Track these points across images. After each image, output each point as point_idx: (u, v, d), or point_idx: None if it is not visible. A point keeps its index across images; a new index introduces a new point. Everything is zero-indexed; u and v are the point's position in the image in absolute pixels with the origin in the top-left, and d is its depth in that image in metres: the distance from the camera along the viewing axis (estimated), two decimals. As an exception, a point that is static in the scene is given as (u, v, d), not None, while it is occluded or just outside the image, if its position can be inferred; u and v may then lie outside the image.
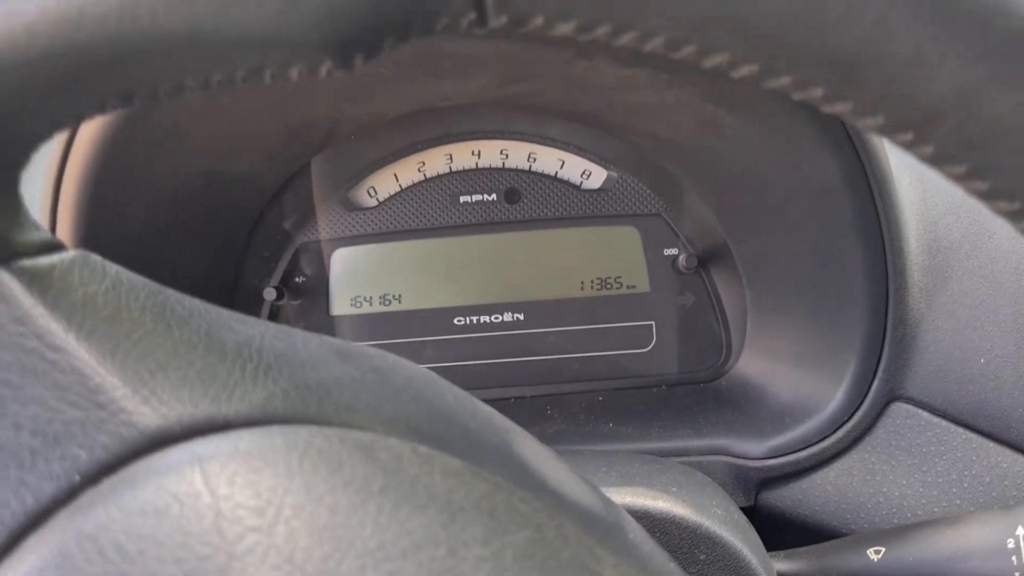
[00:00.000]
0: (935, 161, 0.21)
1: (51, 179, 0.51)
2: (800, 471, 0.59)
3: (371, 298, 0.71)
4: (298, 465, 0.22)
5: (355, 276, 0.72)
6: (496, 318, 0.72)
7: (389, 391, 0.26)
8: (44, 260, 0.24)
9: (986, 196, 0.21)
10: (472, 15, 0.20)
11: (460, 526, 0.22)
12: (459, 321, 0.72)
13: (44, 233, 0.25)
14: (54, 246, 0.25)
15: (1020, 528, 0.43)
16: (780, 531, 0.58)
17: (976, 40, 0.19)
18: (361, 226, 0.71)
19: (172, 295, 0.25)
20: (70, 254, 0.25)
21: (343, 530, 0.21)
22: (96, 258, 0.25)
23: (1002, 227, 0.58)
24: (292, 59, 0.21)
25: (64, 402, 0.22)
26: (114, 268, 0.25)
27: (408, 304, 0.72)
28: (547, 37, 0.21)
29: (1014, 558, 0.42)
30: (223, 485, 0.21)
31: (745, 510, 0.56)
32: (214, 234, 0.64)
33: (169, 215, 0.58)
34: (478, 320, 0.72)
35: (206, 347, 0.24)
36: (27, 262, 0.24)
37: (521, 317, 0.71)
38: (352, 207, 0.71)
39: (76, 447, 0.22)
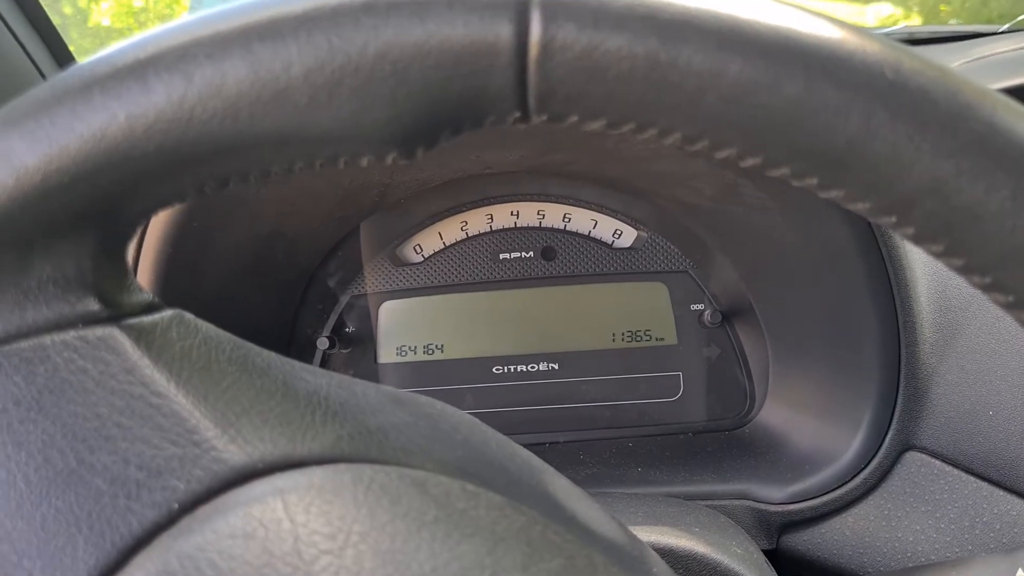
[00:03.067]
0: (916, 240, 0.23)
1: (134, 241, 0.57)
2: (820, 516, 0.61)
3: (415, 347, 0.76)
4: (363, 498, 0.24)
5: (401, 327, 0.76)
6: (532, 367, 0.75)
7: (439, 435, 0.28)
8: (147, 319, 0.27)
9: (962, 271, 0.23)
10: (516, 114, 0.23)
11: (501, 553, 0.24)
12: (498, 370, 0.76)
13: (147, 295, 0.28)
14: (155, 306, 0.27)
15: (1020, 571, 0.46)
16: (800, 574, 0.61)
17: (945, 141, 0.21)
18: (407, 280, 0.76)
19: (252, 348, 0.28)
20: (169, 313, 0.27)
21: (401, 554, 0.23)
22: (190, 316, 0.27)
23: (1008, 287, 0.61)
24: (363, 151, 0.24)
25: (165, 440, 0.25)
26: (204, 325, 0.27)
27: (450, 353, 0.76)
28: (582, 129, 0.25)
29: None
30: (300, 513, 0.24)
31: (767, 553, 0.59)
32: (274, 289, 0.69)
33: (236, 272, 0.63)
34: (515, 369, 0.76)
35: (283, 395, 0.27)
36: (133, 320, 0.26)
37: (556, 367, 0.75)
38: (399, 263, 0.76)
39: (175, 479, 0.24)
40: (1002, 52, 0.89)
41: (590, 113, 0.23)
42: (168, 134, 0.23)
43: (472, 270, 0.76)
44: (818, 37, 0.21)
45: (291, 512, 0.24)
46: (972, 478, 0.60)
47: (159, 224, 0.57)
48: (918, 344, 0.59)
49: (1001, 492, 0.59)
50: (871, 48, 0.21)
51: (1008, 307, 0.23)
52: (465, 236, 0.76)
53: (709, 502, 0.62)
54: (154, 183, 0.25)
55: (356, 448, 0.26)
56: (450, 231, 0.76)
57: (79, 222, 0.25)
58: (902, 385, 0.60)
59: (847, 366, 0.63)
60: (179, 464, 0.25)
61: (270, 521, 0.24)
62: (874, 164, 0.21)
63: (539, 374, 0.76)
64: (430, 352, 0.76)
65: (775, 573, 0.52)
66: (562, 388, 0.75)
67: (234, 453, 0.25)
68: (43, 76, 0.86)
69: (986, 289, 0.23)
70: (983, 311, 0.61)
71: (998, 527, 0.58)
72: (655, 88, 0.22)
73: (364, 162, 0.24)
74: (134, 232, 0.27)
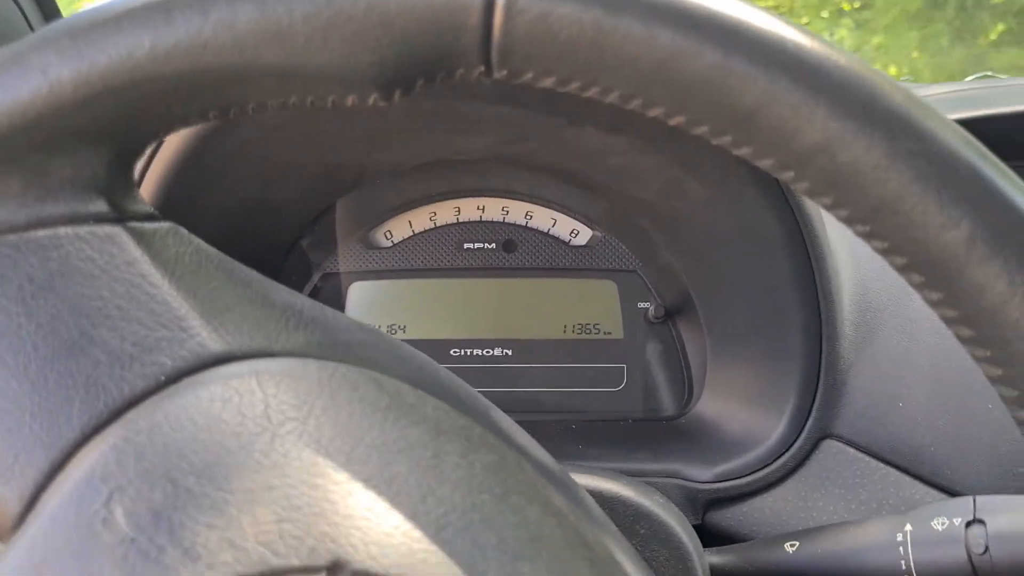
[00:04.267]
0: (810, 194, 0.26)
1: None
2: (743, 495, 0.65)
3: (379, 326, 0.80)
4: (327, 382, 0.28)
5: (368, 306, 0.80)
6: (488, 352, 0.80)
7: (396, 358, 0.32)
8: (148, 225, 0.30)
9: (847, 221, 0.26)
10: (481, 67, 0.26)
11: (443, 441, 0.28)
12: (455, 352, 0.80)
13: (148, 207, 0.31)
14: (156, 217, 0.31)
15: (908, 525, 0.50)
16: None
17: (835, 106, 0.24)
18: (376, 263, 0.80)
19: (238, 264, 0.31)
20: (166, 224, 0.30)
21: (357, 429, 0.27)
22: (183, 230, 0.31)
23: (921, 292, 0.67)
24: (350, 90, 0.27)
25: (157, 324, 0.28)
26: (196, 239, 0.31)
27: (411, 334, 0.80)
28: (537, 88, 0.29)
29: (901, 549, 0.49)
30: (272, 387, 0.27)
31: (694, 527, 0.63)
32: (252, 256, 0.74)
33: (220, 239, 0.67)
34: (471, 352, 0.80)
35: (262, 303, 0.30)
36: (136, 224, 0.30)
37: (509, 353, 0.80)
38: (370, 246, 0.80)
39: (164, 356, 0.28)
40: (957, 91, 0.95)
41: (543, 71, 0.26)
42: (184, 61, 0.26)
43: (437, 257, 0.80)
44: (737, 15, 0.25)
45: (263, 386, 0.27)
46: (881, 464, 0.65)
47: (150, 183, 0.61)
48: (838, 339, 0.64)
49: (907, 478, 0.64)
50: (780, 27, 0.25)
51: (884, 253, 0.26)
52: (433, 226, 0.81)
53: (642, 478, 0.66)
54: (167, 105, 0.28)
55: (323, 352, 0.30)
56: (419, 220, 0.81)
57: (99, 133, 0.29)
58: (822, 377, 0.65)
59: (775, 359, 0.68)
60: (168, 344, 0.28)
61: (245, 391, 0.27)
62: (776, 124, 0.25)
63: (493, 359, 0.80)
64: (393, 332, 0.80)
65: (692, 528, 0.56)
66: (514, 373, 0.80)
67: (216, 341, 0.28)
68: (32, 29, 0.91)
69: (867, 237, 0.26)
70: (899, 313, 0.67)
71: (903, 509, 0.63)
72: (598, 51, 0.25)
73: (349, 101, 0.28)
74: (144, 149, 0.31)
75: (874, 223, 0.25)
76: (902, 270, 0.26)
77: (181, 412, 0.27)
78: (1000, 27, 5.00)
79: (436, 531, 0.25)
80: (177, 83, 0.27)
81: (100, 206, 0.29)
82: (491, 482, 0.27)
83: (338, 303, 0.80)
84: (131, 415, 0.27)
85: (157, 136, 0.31)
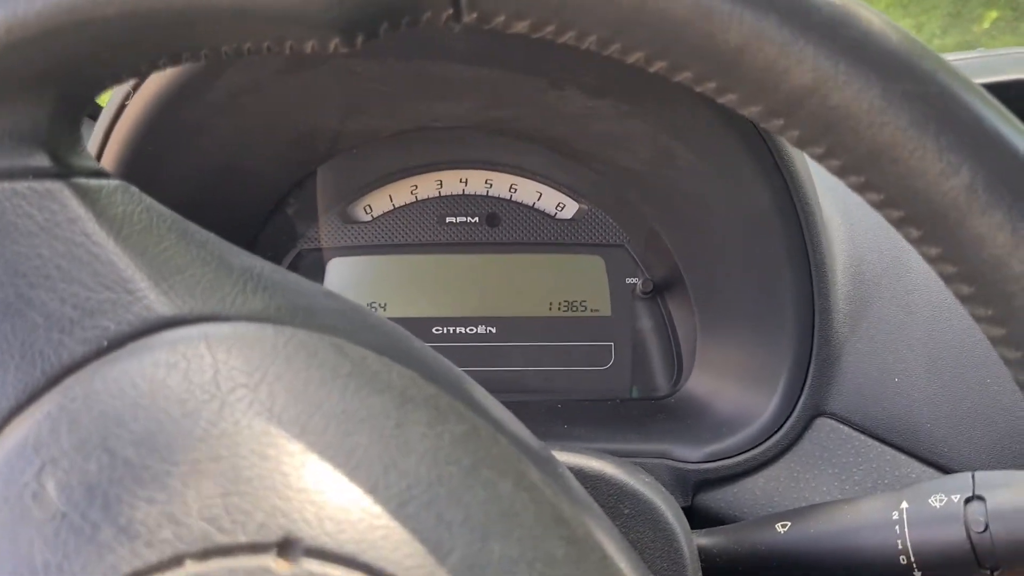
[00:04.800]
0: (801, 143, 0.25)
1: (97, 143, 0.59)
2: (733, 476, 0.63)
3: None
4: (283, 348, 0.27)
5: (347, 283, 0.78)
6: (471, 330, 0.78)
7: (364, 324, 0.31)
8: (94, 181, 0.29)
9: (840, 172, 0.25)
10: (449, 11, 0.25)
11: (409, 409, 0.26)
12: (437, 331, 0.78)
13: (96, 163, 0.30)
14: (103, 174, 0.29)
15: (904, 503, 0.48)
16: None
17: (826, 44, 0.23)
18: (356, 238, 0.78)
19: (192, 225, 0.30)
20: (115, 182, 0.29)
21: (314, 397, 0.25)
22: (134, 188, 0.29)
23: (918, 263, 0.65)
24: (308, 34, 0.25)
25: (100, 286, 0.27)
26: (147, 198, 0.29)
27: (392, 312, 0.78)
28: (511, 39, 0.27)
29: (897, 528, 0.47)
30: (222, 352, 0.26)
31: (684, 510, 0.62)
32: (225, 227, 0.71)
33: (187, 205, 0.65)
34: (454, 331, 0.78)
35: (217, 265, 0.29)
36: (81, 180, 0.28)
37: (493, 331, 0.78)
38: (349, 220, 0.78)
39: (107, 320, 0.26)
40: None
41: (516, 14, 0.24)
42: (127, 2, 0.25)
43: (418, 232, 0.78)
44: None
45: (213, 350, 0.26)
46: (876, 443, 0.63)
47: (113, 146, 0.59)
48: (832, 312, 0.62)
49: (903, 456, 0.62)
50: None
51: (879, 206, 0.25)
52: (414, 199, 0.78)
53: (630, 459, 0.64)
54: (112, 49, 0.27)
55: (282, 317, 0.28)
56: (400, 194, 0.78)
57: (39, 81, 0.27)
58: (815, 352, 0.63)
59: (766, 335, 0.66)
60: (111, 307, 0.26)
61: (193, 356, 0.26)
62: (763, 66, 0.23)
63: (477, 337, 0.78)
64: (373, 309, 0.78)
65: (680, 510, 0.54)
66: (498, 352, 0.78)
67: (164, 304, 0.27)
68: None
69: (861, 189, 0.25)
70: (895, 284, 0.65)
71: (899, 488, 0.61)
72: None
73: (308, 47, 0.26)
74: (89, 101, 0.30)
75: (869, 172, 0.24)
76: (899, 224, 0.25)
77: (122, 377, 0.25)
78: (993, 14, 4.99)
79: (398, 506, 0.24)
80: (121, 25, 0.26)
81: (41, 160, 0.28)
82: (459, 454, 0.26)
83: (317, 280, 0.78)
84: (69, 381, 0.26)
85: (104, 85, 0.29)
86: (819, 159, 0.25)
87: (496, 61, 0.59)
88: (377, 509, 0.23)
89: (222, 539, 0.22)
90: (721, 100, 0.25)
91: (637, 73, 0.27)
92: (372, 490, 0.24)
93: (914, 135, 0.23)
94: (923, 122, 0.23)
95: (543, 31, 0.25)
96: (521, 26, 0.25)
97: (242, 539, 0.22)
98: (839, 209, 0.67)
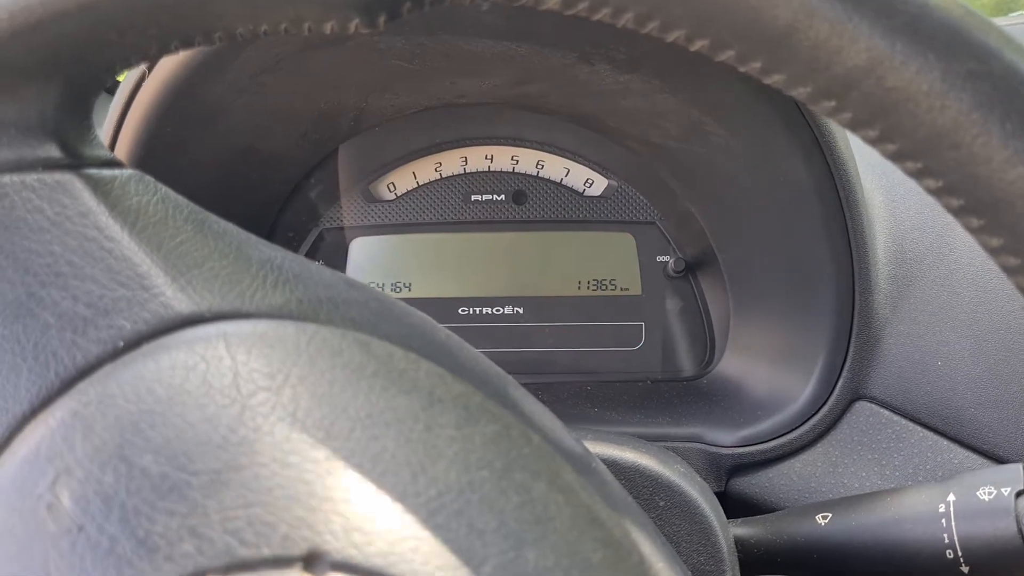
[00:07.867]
0: (853, 126, 0.24)
1: (110, 130, 0.57)
2: (768, 460, 0.62)
3: (383, 285, 0.77)
4: (305, 347, 0.26)
5: (370, 263, 0.77)
6: (498, 310, 0.77)
7: (390, 314, 0.29)
8: (107, 172, 0.28)
9: (895, 157, 0.24)
10: None
11: (438, 411, 0.25)
12: (463, 311, 0.77)
13: (108, 153, 0.29)
14: (115, 163, 0.28)
15: (951, 495, 0.47)
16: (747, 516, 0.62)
17: (881, 21, 0.22)
18: (379, 217, 0.77)
19: (211, 216, 0.29)
20: (128, 171, 0.28)
21: (339, 399, 0.24)
22: (149, 178, 0.28)
23: (963, 242, 0.63)
24: (327, 15, 0.24)
25: (115, 282, 0.26)
26: (163, 187, 0.29)
27: (417, 292, 0.77)
28: (542, 16, 0.26)
29: (943, 521, 0.46)
30: (242, 353, 0.25)
31: (717, 495, 0.60)
32: (246, 209, 0.70)
33: (207, 188, 0.64)
34: (481, 311, 0.77)
35: (236, 257, 0.28)
36: (92, 171, 0.27)
37: (521, 311, 0.76)
38: (372, 199, 0.77)
39: (122, 319, 0.25)
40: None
41: None
42: None
43: (443, 210, 0.77)
44: None
45: (233, 351, 0.25)
46: (918, 427, 0.61)
47: (131, 129, 0.57)
48: (872, 292, 0.60)
49: (945, 441, 0.61)
50: None
51: (938, 193, 0.24)
52: (439, 177, 0.77)
53: (662, 443, 0.63)
54: (120, 32, 0.26)
55: (303, 312, 0.27)
56: (424, 171, 0.77)
57: (45, 68, 0.26)
58: (854, 333, 0.61)
59: (803, 314, 0.64)
60: (127, 305, 0.26)
61: (212, 357, 0.25)
62: (813, 44, 0.22)
63: (504, 317, 0.77)
64: (397, 290, 0.77)
65: (715, 498, 0.53)
66: (525, 332, 0.77)
67: (182, 300, 0.26)
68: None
69: (918, 175, 0.24)
70: (938, 264, 0.63)
71: (940, 475, 0.60)
72: None
73: (328, 28, 0.25)
74: (99, 87, 0.29)
75: (927, 158, 0.23)
76: (958, 213, 0.24)
77: (138, 381, 0.24)
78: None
79: (428, 515, 0.23)
80: (129, 7, 0.25)
81: (50, 150, 0.27)
82: (491, 456, 0.25)
83: (339, 260, 0.77)
84: (83, 385, 0.25)
85: (114, 71, 0.28)
86: (873, 143, 0.24)
87: (525, 36, 0.57)
88: (406, 519, 0.23)
89: (245, 553, 0.21)
90: (767, 81, 0.24)
91: (668, 47, 0.25)
92: (400, 498, 0.23)
93: (978, 119, 0.22)
94: (988, 105, 0.21)
95: (576, 8, 0.24)
96: (553, 2, 0.24)
97: (266, 553, 0.21)
98: (880, 185, 0.64)
